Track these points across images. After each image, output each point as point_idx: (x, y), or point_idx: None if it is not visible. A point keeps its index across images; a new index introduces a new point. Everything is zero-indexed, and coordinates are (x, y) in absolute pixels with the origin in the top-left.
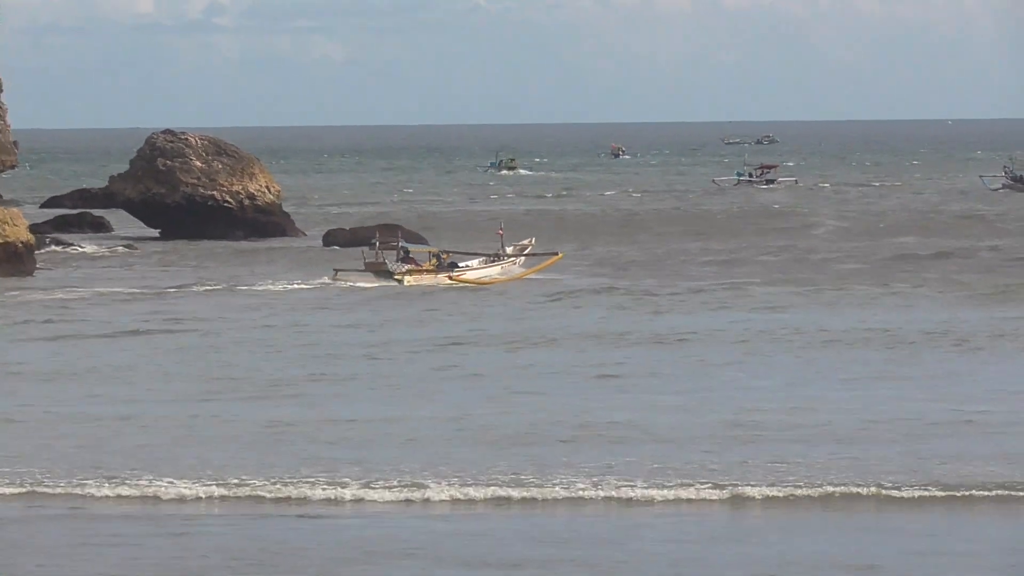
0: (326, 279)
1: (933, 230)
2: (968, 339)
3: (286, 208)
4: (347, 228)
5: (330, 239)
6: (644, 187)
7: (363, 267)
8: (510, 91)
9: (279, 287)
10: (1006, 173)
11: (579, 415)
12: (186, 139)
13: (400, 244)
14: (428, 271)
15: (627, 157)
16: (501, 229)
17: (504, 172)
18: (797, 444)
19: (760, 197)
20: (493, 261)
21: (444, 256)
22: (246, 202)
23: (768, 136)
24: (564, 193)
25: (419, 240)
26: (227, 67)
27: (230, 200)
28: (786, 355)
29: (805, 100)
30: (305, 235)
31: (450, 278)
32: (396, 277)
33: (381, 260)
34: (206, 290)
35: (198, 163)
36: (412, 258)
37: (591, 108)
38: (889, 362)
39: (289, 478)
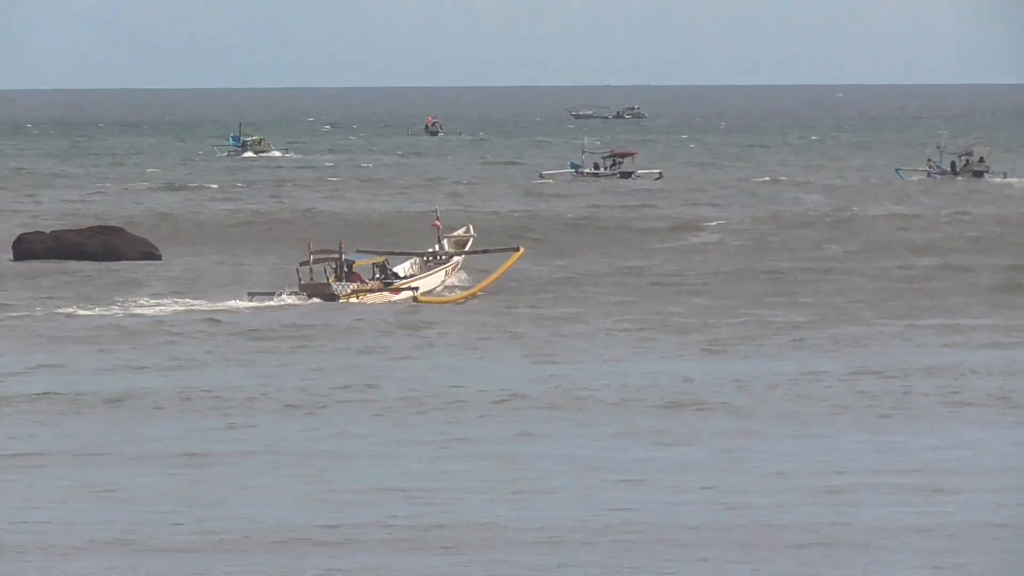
0: (237, 302)
1: (827, 245)
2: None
3: None
4: (47, 232)
5: (24, 249)
6: (457, 178)
7: (298, 288)
8: (277, 46)
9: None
10: (930, 165)
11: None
12: None
13: (343, 257)
14: (374, 289)
15: (446, 134)
16: (438, 220)
17: (249, 155)
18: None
19: (604, 196)
20: (429, 261)
21: (388, 265)
22: None
23: (632, 108)
24: (334, 182)
25: (148, 249)
26: None
27: None
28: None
29: (689, 59)
30: None
31: (416, 300)
32: (342, 300)
33: (325, 281)
34: None
35: None
36: (357, 274)
37: (395, 69)
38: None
39: None
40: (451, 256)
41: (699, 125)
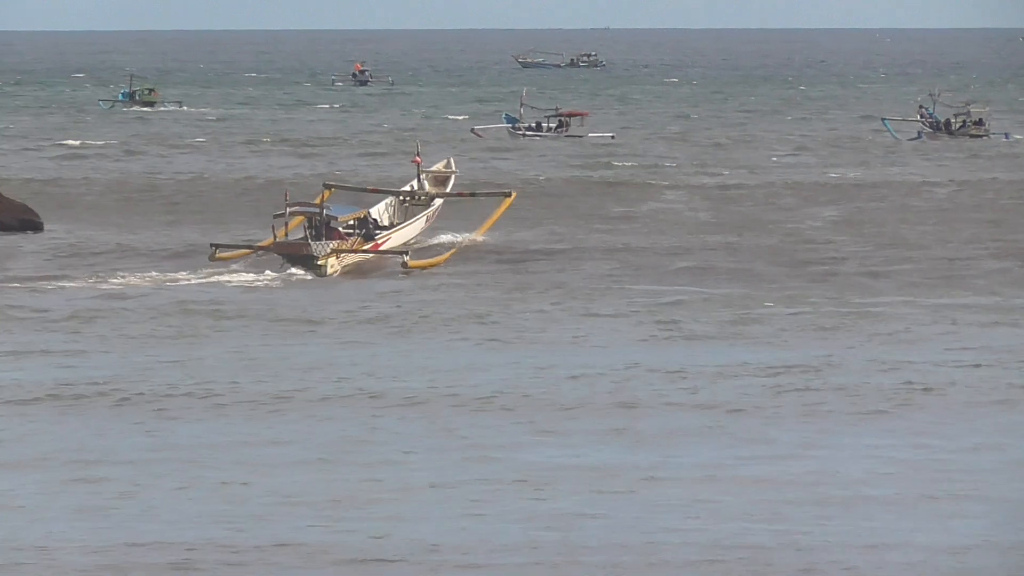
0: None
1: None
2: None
3: None
4: None
5: None
6: (384, 134)
7: (272, 246)
8: None
9: None
10: (922, 118)
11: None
12: None
13: (324, 211)
14: (356, 248)
15: (376, 83)
16: (418, 155)
17: (139, 108)
18: None
19: (552, 157)
20: (406, 202)
21: (370, 217)
22: None
23: (588, 55)
24: (240, 139)
25: (28, 216)
26: None
27: None
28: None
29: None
30: None
31: (405, 265)
32: (319, 262)
33: (302, 238)
34: None
35: None
36: (337, 230)
37: (320, 9)
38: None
39: None
40: (432, 198)
41: (667, 75)
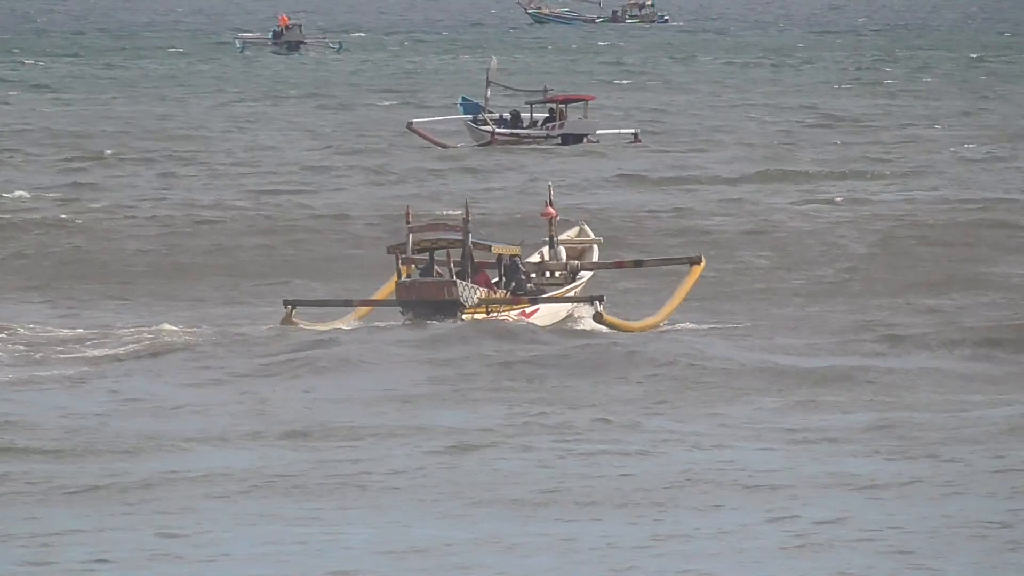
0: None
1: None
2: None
3: None
4: None
5: None
6: (312, 143)
7: (395, 292)
8: None
9: None
10: None
11: None
12: None
13: (471, 239)
14: (509, 304)
15: (314, 48)
16: (551, 205)
17: None
18: None
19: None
20: (531, 280)
21: (520, 262)
22: None
23: (641, 4)
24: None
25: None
26: None
27: None
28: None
29: None
30: None
31: (598, 318)
32: (466, 317)
33: (443, 277)
34: None
35: None
36: (485, 273)
37: None
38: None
39: None
40: (575, 271)
41: (750, 34)
